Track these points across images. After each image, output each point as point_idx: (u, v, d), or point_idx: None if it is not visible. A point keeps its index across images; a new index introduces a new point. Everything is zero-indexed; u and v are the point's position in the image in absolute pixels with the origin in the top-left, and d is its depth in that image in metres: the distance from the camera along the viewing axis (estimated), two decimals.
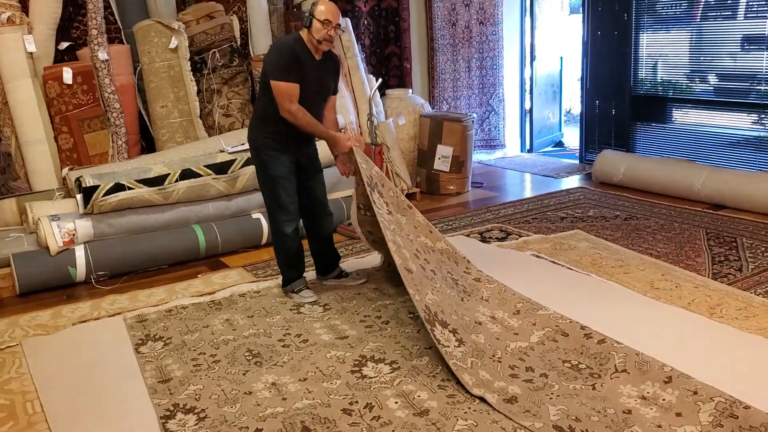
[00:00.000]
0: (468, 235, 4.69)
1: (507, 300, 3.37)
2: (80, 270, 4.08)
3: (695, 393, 2.41)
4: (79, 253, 4.09)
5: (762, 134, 5.51)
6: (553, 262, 4.07)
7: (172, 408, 2.64)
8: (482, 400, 2.52)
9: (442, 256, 3.60)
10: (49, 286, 4.03)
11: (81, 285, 4.12)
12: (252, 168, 4.68)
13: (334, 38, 3.42)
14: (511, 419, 2.40)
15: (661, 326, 3.14)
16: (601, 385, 2.58)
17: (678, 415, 2.33)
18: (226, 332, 3.30)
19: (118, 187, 4.23)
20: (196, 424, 2.52)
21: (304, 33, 3.40)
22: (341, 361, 2.94)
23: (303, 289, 3.68)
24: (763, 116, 5.51)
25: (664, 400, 2.43)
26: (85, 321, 3.59)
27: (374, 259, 4.14)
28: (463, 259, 3.71)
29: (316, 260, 3.89)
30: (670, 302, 3.40)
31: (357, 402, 2.58)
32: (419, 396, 2.61)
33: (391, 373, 2.80)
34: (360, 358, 2.94)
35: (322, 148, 3.71)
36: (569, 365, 2.76)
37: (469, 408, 2.50)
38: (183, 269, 4.32)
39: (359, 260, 4.27)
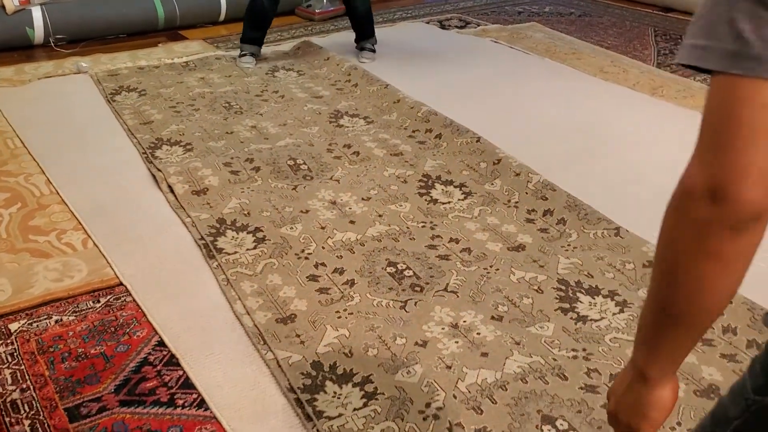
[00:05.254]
0: (428, 23, 4.76)
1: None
2: (38, 32, 3.98)
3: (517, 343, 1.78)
4: (36, 14, 3.97)
5: None
6: (510, 47, 4.24)
7: (155, 141, 2.80)
8: None
9: None
10: (6, 46, 3.94)
11: (39, 48, 4.04)
12: None
13: None
14: None
15: (607, 101, 3.43)
16: (415, 304, 1.92)
17: (483, 355, 1.73)
18: (203, 87, 3.41)
19: None
20: (184, 153, 2.70)
21: None
22: (318, 113, 3.13)
23: (246, 55, 3.79)
24: None
25: (478, 333, 1.81)
26: (50, 77, 3.60)
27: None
28: None
29: (354, 30, 4.05)
30: (616, 83, 3.67)
31: (336, 143, 2.80)
32: (393, 142, 2.85)
33: (366, 125, 3.02)
34: (335, 112, 3.14)
35: None
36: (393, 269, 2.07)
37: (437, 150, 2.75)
38: (142, 39, 4.27)
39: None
